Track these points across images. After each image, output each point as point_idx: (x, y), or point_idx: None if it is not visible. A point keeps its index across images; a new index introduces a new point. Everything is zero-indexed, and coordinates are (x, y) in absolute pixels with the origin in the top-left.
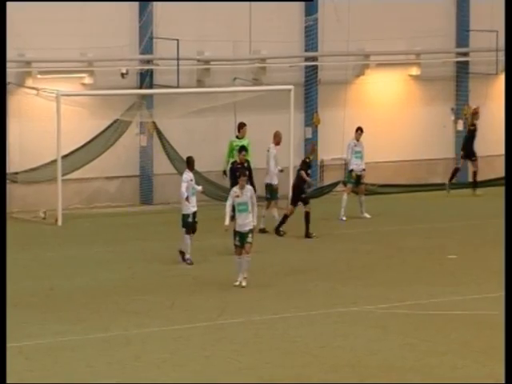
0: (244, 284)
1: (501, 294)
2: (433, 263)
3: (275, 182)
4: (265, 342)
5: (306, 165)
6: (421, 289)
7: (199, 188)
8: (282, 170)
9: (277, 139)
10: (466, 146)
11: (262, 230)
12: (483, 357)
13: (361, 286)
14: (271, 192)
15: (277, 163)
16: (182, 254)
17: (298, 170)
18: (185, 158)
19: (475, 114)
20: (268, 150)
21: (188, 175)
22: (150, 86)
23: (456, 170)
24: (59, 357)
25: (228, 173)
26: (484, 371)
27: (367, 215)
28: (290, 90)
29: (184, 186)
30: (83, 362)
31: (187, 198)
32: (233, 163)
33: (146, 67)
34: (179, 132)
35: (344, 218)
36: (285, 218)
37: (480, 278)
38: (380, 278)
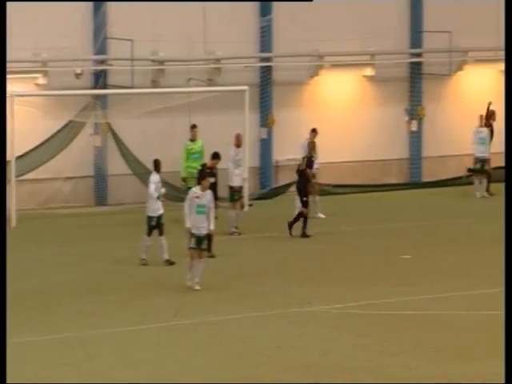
0: (197, 288)
1: (453, 293)
2: (387, 263)
3: (234, 183)
4: (219, 342)
5: (311, 163)
6: (375, 289)
7: (162, 190)
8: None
9: (237, 141)
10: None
11: (233, 232)
12: (436, 357)
13: (316, 286)
14: (230, 193)
15: (237, 165)
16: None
17: (302, 170)
18: (140, 159)
19: (492, 114)
20: None
21: (155, 177)
22: (104, 87)
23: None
24: (13, 358)
25: (196, 175)
26: (437, 371)
27: (321, 215)
28: (244, 91)
29: (153, 186)
30: (37, 364)
31: (158, 198)
32: (203, 166)
33: (100, 67)
34: (134, 132)
35: None
36: (305, 220)
37: (433, 278)
38: (335, 279)
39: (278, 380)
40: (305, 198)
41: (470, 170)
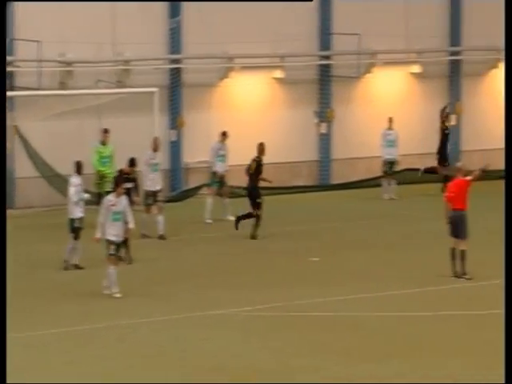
0: (119, 295)
1: (361, 295)
2: (296, 266)
3: (148, 187)
4: (128, 346)
5: (261, 166)
6: (284, 291)
7: (85, 196)
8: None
9: (154, 145)
10: (442, 150)
11: (144, 235)
12: (345, 358)
13: (225, 288)
14: (145, 197)
15: (154, 169)
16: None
17: (251, 173)
18: (48, 162)
19: (447, 116)
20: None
21: (76, 179)
22: (11, 89)
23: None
24: None
25: (112, 180)
26: (346, 372)
27: (231, 218)
28: (153, 93)
29: (72, 189)
30: None
31: (76, 203)
32: (120, 171)
33: (7, 69)
34: (42, 135)
35: (209, 221)
36: (249, 215)
37: (341, 280)
38: (244, 281)
39: (186, 380)
40: (258, 200)
41: (392, 172)
